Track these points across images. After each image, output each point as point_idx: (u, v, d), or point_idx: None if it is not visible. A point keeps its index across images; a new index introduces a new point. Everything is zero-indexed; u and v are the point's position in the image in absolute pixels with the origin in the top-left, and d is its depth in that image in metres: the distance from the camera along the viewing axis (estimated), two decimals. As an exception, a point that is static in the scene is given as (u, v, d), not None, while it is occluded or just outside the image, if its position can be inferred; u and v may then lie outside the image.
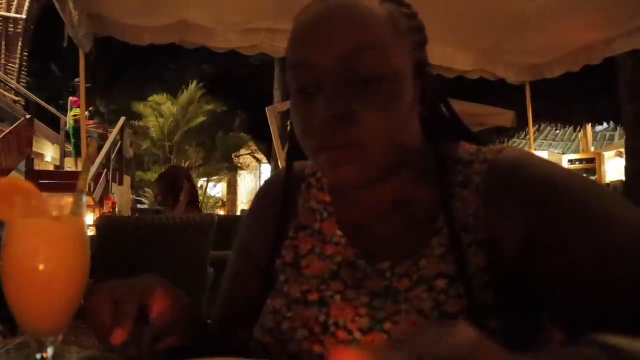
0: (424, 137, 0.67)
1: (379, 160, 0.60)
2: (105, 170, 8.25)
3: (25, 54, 10.42)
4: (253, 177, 17.45)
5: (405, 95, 0.61)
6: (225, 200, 16.47)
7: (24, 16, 10.23)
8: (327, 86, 0.59)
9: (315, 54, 0.59)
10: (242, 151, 16.00)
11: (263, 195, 0.80)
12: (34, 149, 9.52)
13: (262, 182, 0.84)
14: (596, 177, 11.10)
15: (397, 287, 0.61)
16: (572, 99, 9.61)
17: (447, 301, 0.57)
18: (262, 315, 0.68)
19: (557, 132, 15.37)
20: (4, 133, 7.48)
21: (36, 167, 9.41)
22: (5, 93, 9.46)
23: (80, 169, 6.73)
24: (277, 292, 0.68)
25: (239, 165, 16.01)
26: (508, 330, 0.56)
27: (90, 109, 8.80)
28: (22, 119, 8.48)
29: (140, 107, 13.46)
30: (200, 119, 13.34)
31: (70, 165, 9.85)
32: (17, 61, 10.17)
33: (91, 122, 8.77)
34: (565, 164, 10.96)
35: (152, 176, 11.57)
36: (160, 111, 13.38)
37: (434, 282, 0.59)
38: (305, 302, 0.64)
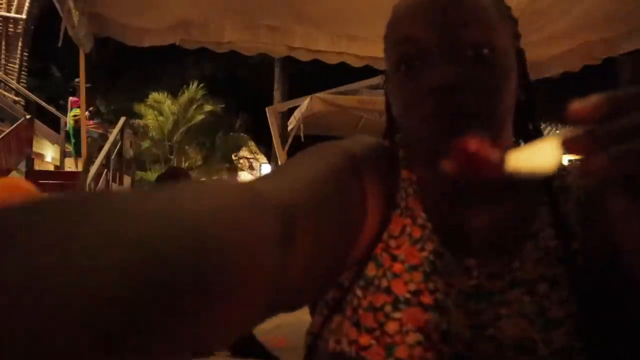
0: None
1: (496, 135, 0.57)
2: (105, 170, 8.24)
3: (25, 54, 10.42)
4: (253, 177, 17.44)
5: (513, 73, 0.60)
6: (225, 200, 16.40)
7: (24, 16, 10.23)
8: (436, 58, 0.58)
9: (423, 28, 0.59)
10: (242, 151, 16.00)
11: (363, 160, 0.62)
12: (34, 149, 9.53)
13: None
14: (596, 177, 11.10)
15: (488, 287, 0.58)
16: (572, 99, 9.63)
17: (551, 306, 0.56)
18: (351, 310, 0.60)
19: (557, 132, 15.38)
20: (4, 133, 7.49)
21: (36, 167, 9.41)
22: (5, 93, 9.45)
23: (80, 169, 6.73)
24: (370, 284, 0.60)
25: (239, 165, 16.01)
26: (620, 337, 0.54)
27: (90, 109, 8.78)
28: (22, 119, 8.49)
29: (140, 106, 13.46)
30: (200, 117, 13.33)
31: (70, 165, 9.84)
32: (17, 61, 10.17)
33: (91, 122, 8.76)
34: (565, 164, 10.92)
35: (152, 176, 11.57)
36: (159, 110, 13.39)
37: (535, 286, 0.57)
38: (420, 304, 0.58)
